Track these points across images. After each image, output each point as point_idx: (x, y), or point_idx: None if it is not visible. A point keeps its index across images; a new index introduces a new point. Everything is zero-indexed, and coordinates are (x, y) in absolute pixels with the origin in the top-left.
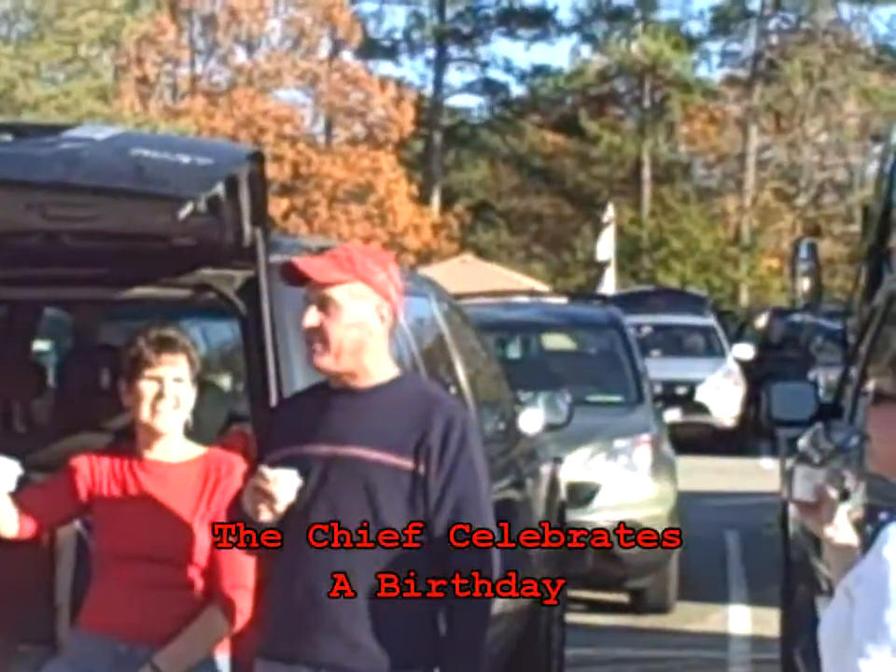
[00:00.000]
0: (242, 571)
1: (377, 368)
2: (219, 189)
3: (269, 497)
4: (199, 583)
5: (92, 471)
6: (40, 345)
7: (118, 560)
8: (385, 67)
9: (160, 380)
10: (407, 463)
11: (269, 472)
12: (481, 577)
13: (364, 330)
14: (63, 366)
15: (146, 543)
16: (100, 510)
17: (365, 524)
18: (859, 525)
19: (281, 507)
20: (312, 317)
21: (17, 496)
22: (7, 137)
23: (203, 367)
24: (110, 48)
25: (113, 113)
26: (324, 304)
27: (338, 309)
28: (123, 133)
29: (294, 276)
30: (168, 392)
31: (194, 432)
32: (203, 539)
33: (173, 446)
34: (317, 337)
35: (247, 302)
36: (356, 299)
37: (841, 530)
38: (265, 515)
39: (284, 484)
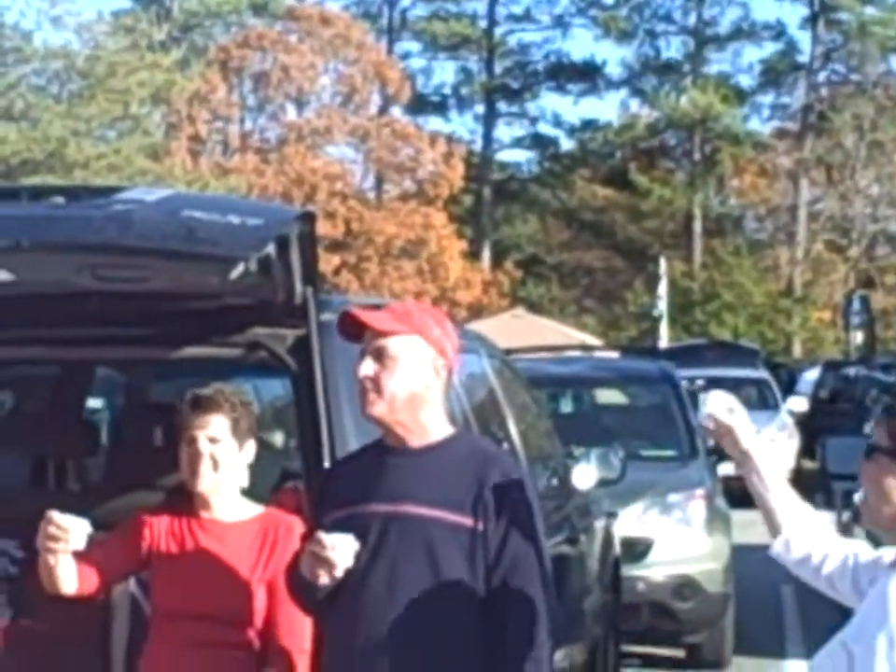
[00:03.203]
0: (299, 633)
1: (432, 425)
2: (270, 248)
3: (327, 563)
4: (256, 644)
5: (152, 529)
6: (93, 403)
7: (174, 619)
8: (434, 123)
9: (194, 440)
10: (465, 520)
11: (326, 538)
12: (532, 638)
13: (419, 384)
14: (115, 424)
15: (203, 602)
16: (158, 567)
17: (425, 582)
18: None
19: (339, 572)
20: (367, 367)
21: (78, 553)
22: (60, 199)
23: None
24: (161, 106)
25: (164, 171)
26: (380, 355)
27: (393, 360)
28: (174, 194)
29: (350, 328)
30: (203, 452)
31: (248, 488)
32: (260, 600)
33: (228, 505)
34: (371, 386)
35: (299, 360)
36: (412, 351)
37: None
38: (324, 580)
39: (342, 550)
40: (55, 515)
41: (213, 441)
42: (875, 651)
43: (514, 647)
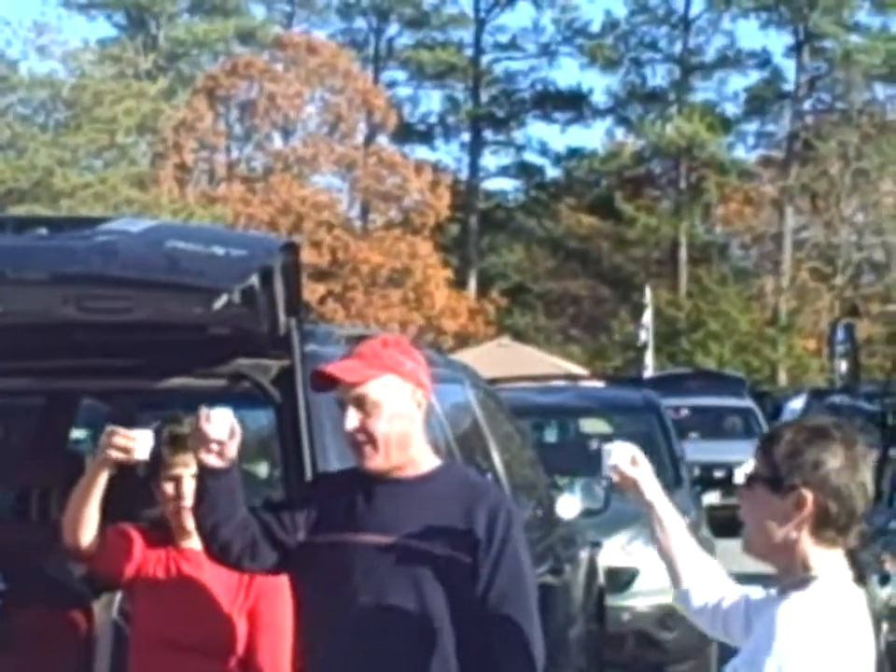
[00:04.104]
0: (280, 661)
1: (420, 456)
2: (254, 279)
3: (205, 438)
4: None
5: (139, 549)
6: (77, 434)
7: (155, 648)
8: (420, 151)
9: (177, 479)
10: (456, 554)
11: (205, 410)
12: (521, 669)
13: (405, 420)
14: None
15: (184, 632)
16: (139, 595)
17: (412, 614)
18: None
19: (216, 446)
20: (353, 419)
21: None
22: (43, 231)
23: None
24: (147, 135)
25: (150, 200)
26: (361, 403)
27: (376, 406)
28: (158, 224)
29: (323, 382)
30: (186, 491)
31: None
32: (241, 628)
33: None
34: (363, 438)
35: (283, 391)
36: (390, 391)
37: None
38: (209, 458)
39: (217, 422)
40: (118, 427)
41: (196, 477)
42: None
43: None
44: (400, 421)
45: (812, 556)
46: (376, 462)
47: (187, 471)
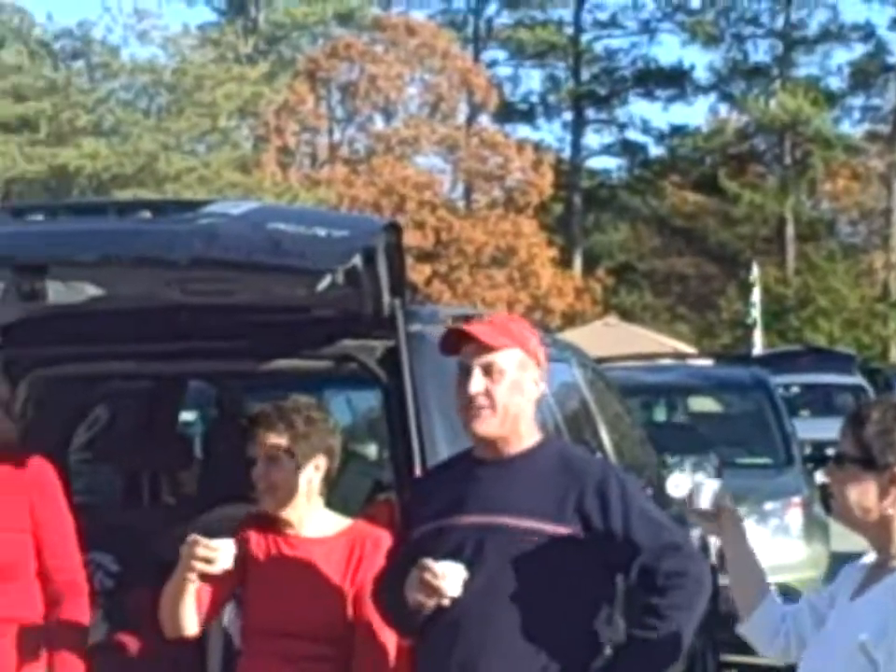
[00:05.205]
0: (385, 647)
1: (527, 434)
2: (357, 260)
3: (436, 592)
4: (343, 659)
5: (243, 553)
6: (186, 416)
7: (264, 635)
8: (522, 131)
9: (252, 461)
10: (563, 530)
11: (437, 567)
12: (695, 578)
13: (523, 396)
14: (209, 437)
15: (291, 619)
16: (248, 585)
17: (523, 593)
18: None
19: (447, 601)
20: (478, 383)
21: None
22: (146, 214)
23: (346, 437)
24: (249, 118)
25: (253, 183)
26: (489, 369)
27: (502, 374)
28: (259, 207)
29: (451, 342)
30: (259, 473)
31: (340, 501)
32: (346, 615)
33: (311, 521)
34: (484, 402)
35: (389, 372)
36: (515, 363)
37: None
38: (429, 608)
39: (452, 579)
40: (200, 538)
41: (270, 460)
42: None
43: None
44: (519, 395)
45: None
46: (491, 427)
47: (260, 451)
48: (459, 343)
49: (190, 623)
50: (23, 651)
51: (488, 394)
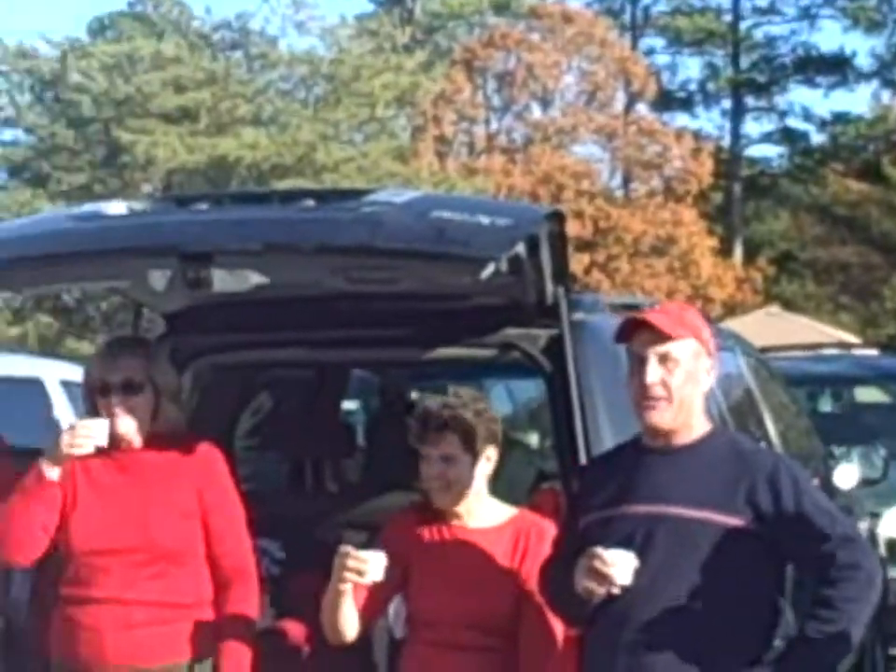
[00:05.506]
0: (553, 637)
1: (696, 425)
2: (520, 248)
3: (606, 580)
4: (508, 649)
5: (404, 545)
6: (348, 405)
7: (430, 625)
8: (680, 119)
9: (427, 459)
10: (733, 520)
11: (607, 555)
12: (868, 570)
13: (697, 386)
14: (372, 426)
15: (457, 609)
16: (412, 575)
17: (693, 583)
18: None
19: (617, 589)
20: (655, 372)
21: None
22: (310, 203)
23: (507, 426)
24: (406, 108)
25: (410, 173)
26: (665, 358)
27: (677, 364)
28: (422, 195)
29: (626, 330)
30: (434, 472)
31: (504, 490)
32: (512, 605)
33: (477, 511)
34: (660, 392)
35: (552, 361)
36: (690, 353)
37: None
38: (598, 596)
39: (622, 567)
40: (351, 549)
41: (446, 459)
42: None
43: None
44: (693, 385)
45: None
46: (666, 417)
47: (435, 452)
48: (631, 332)
49: (350, 629)
50: (194, 635)
51: (664, 384)
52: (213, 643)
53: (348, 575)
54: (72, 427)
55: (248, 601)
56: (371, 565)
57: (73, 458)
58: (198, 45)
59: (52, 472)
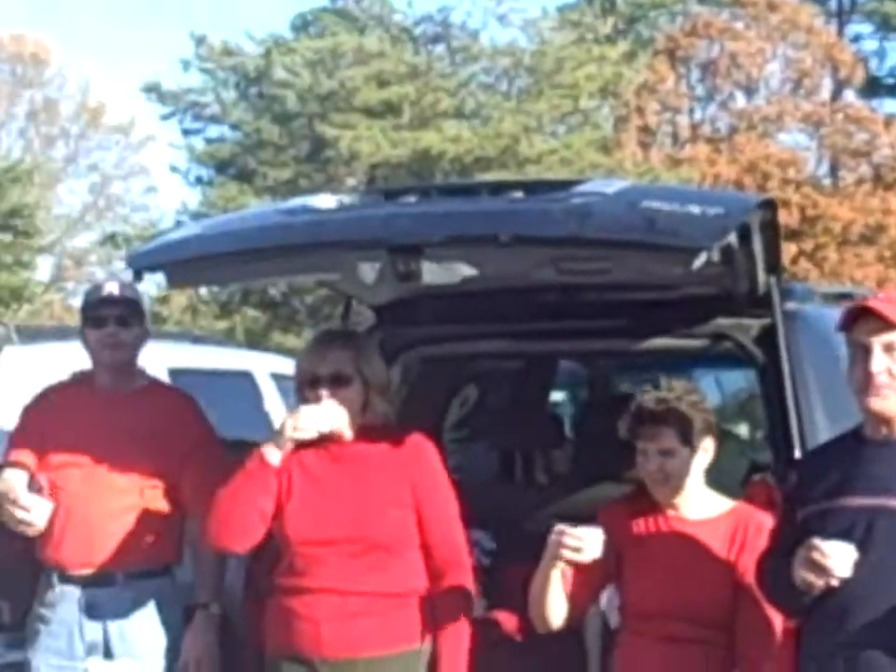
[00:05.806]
0: (770, 630)
1: None
2: (732, 238)
3: (824, 572)
4: (721, 642)
5: (619, 536)
6: (555, 396)
7: (645, 616)
8: (889, 106)
9: (645, 453)
10: None
11: (825, 546)
12: None
13: None
14: (580, 417)
15: (673, 601)
16: (626, 566)
17: None
18: None
19: (836, 581)
20: (881, 361)
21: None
22: (519, 194)
23: (718, 417)
24: (609, 99)
25: (614, 164)
26: (890, 348)
27: None
28: (631, 185)
29: (849, 319)
30: (653, 467)
31: (716, 481)
32: (730, 598)
33: (695, 503)
34: (886, 380)
35: (765, 351)
36: None
37: None
38: (818, 587)
39: (841, 559)
40: (567, 527)
41: (664, 453)
42: None
43: None
44: None
45: None
46: (891, 404)
47: (653, 446)
48: (853, 321)
49: (557, 616)
50: (410, 625)
51: (890, 372)
52: (428, 633)
53: (566, 553)
54: (296, 412)
55: (463, 590)
56: (588, 542)
57: (296, 443)
58: (400, 39)
59: (274, 457)
